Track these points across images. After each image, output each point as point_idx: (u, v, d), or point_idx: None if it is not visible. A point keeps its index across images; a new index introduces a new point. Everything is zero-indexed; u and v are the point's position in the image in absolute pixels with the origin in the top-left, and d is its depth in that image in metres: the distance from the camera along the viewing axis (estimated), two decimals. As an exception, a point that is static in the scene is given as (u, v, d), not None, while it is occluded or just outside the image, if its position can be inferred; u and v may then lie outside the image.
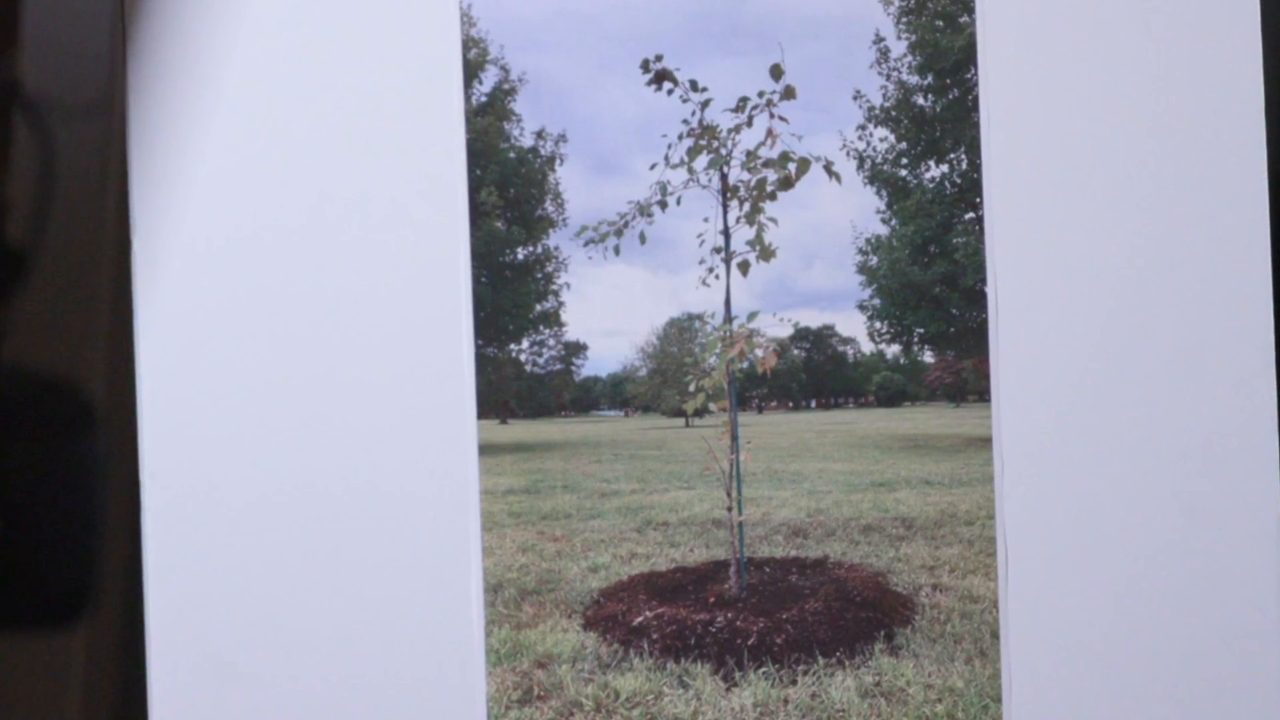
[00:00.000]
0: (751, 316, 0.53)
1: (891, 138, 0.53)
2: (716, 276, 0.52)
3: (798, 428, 0.57)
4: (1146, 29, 0.49)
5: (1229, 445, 0.49)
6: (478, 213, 0.51)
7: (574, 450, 0.55)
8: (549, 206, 0.53)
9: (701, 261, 0.52)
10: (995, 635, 0.51)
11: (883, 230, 0.53)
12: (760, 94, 0.52)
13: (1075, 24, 0.49)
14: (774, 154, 0.52)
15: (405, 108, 0.49)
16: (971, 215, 0.53)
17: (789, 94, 0.52)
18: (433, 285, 0.49)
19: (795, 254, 0.53)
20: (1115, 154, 0.49)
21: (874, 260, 0.54)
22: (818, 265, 0.53)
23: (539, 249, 0.53)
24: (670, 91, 0.52)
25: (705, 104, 0.52)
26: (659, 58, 0.51)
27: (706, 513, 0.55)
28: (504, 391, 0.53)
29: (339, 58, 0.49)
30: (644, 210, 0.52)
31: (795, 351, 0.55)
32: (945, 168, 0.53)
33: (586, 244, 0.52)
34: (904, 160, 0.53)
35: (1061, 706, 0.49)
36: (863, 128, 0.52)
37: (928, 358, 0.55)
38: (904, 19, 0.52)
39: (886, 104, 0.52)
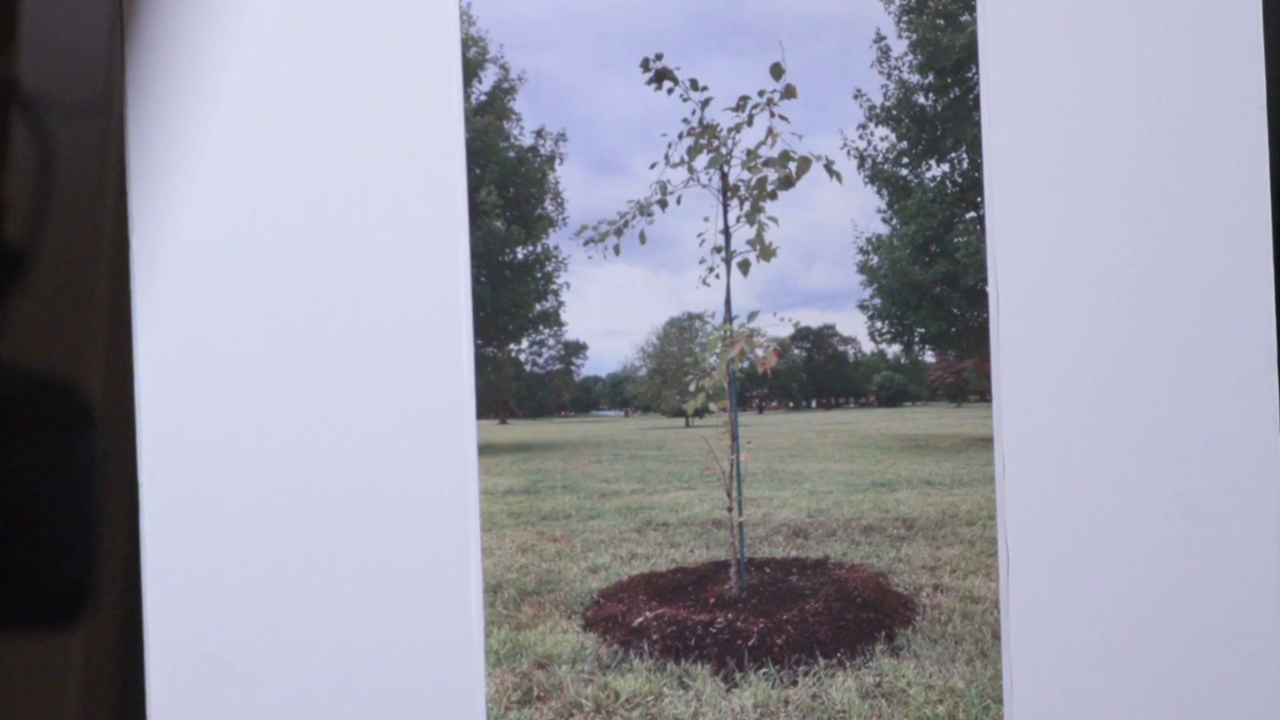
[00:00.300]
0: (752, 316, 0.53)
1: (892, 137, 0.53)
2: (717, 276, 0.52)
3: (798, 428, 0.57)
4: (1148, 28, 0.49)
5: (1231, 446, 0.49)
6: (477, 212, 0.51)
7: (574, 450, 0.55)
8: (549, 206, 0.53)
9: (702, 261, 0.52)
10: (996, 636, 0.51)
11: (883, 230, 0.53)
12: (761, 93, 0.52)
13: (1077, 23, 0.49)
14: (774, 153, 0.52)
15: (405, 107, 0.49)
16: (973, 214, 0.53)
17: (789, 93, 0.51)
18: (432, 285, 0.49)
19: (796, 253, 0.53)
20: (1117, 153, 0.49)
21: (875, 260, 0.53)
22: (818, 265, 0.53)
23: (539, 248, 0.53)
24: (670, 90, 0.52)
25: (705, 103, 0.52)
26: (659, 56, 0.51)
27: (707, 513, 0.55)
28: (503, 391, 0.53)
29: (338, 56, 0.49)
30: (644, 209, 0.52)
31: (796, 351, 0.55)
32: (946, 167, 0.53)
33: (586, 243, 0.52)
34: (905, 159, 0.53)
35: (1063, 707, 0.49)
36: (863, 127, 0.52)
37: (929, 357, 0.55)
38: (905, 18, 0.52)
39: (887, 103, 0.52)
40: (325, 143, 0.49)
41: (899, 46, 0.52)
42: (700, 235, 0.53)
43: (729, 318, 0.53)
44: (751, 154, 0.52)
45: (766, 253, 0.53)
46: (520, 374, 0.53)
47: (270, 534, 0.49)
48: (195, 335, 0.49)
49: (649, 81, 0.51)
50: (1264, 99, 0.49)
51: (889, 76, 0.52)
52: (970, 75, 0.52)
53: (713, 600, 0.54)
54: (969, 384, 0.53)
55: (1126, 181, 0.49)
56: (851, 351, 0.55)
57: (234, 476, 0.49)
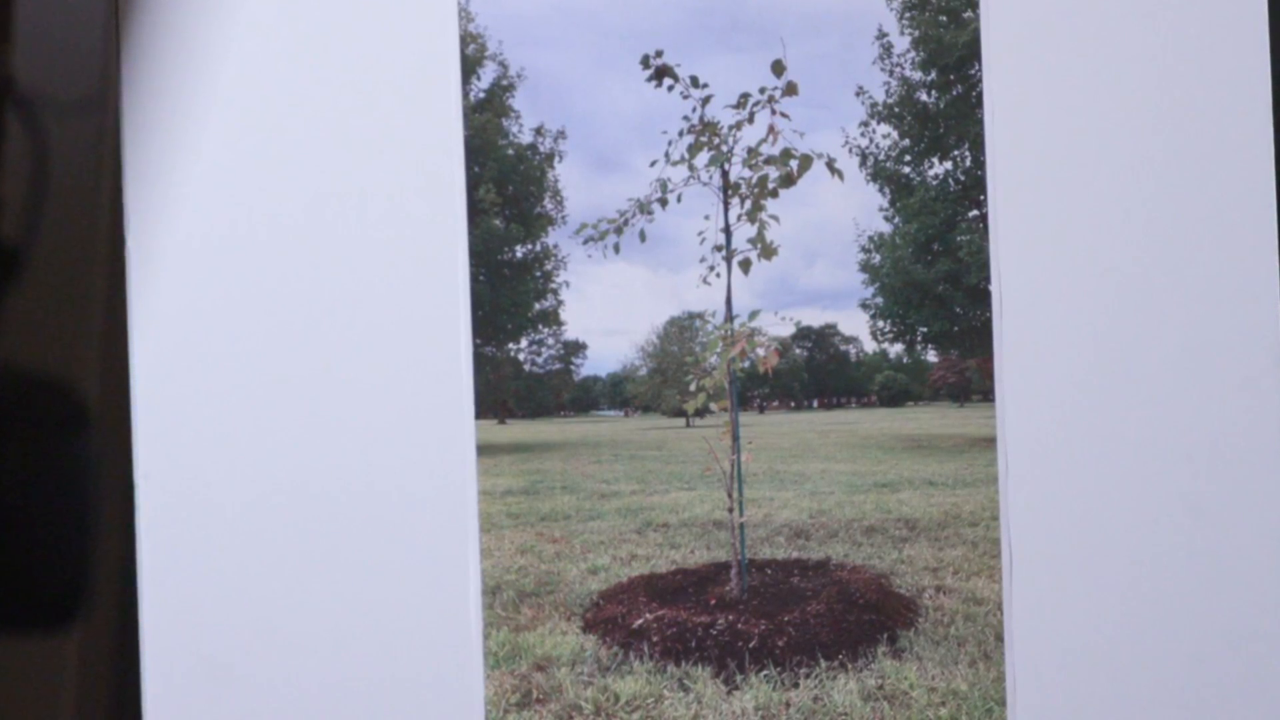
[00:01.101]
0: (753, 315, 0.53)
1: (894, 134, 0.53)
2: (718, 275, 0.52)
3: (800, 428, 0.57)
4: (1152, 24, 0.49)
5: (1236, 445, 0.49)
6: (476, 210, 0.51)
7: (573, 451, 0.55)
8: (548, 204, 0.53)
9: (702, 259, 0.52)
10: (999, 638, 0.51)
11: (886, 228, 0.53)
12: (762, 90, 0.51)
13: (1080, 19, 0.49)
14: (776, 151, 0.52)
15: (403, 104, 0.49)
16: (975, 213, 0.53)
17: (791, 90, 0.51)
18: (430, 283, 0.49)
19: (797, 252, 0.53)
20: (1121, 150, 0.49)
21: (877, 258, 0.53)
22: (820, 263, 0.53)
23: (538, 247, 0.53)
24: (671, 88, 0.51)
25: (706, 100, 0.52)
26: (659, 53, 0.51)
27: (707, 514, 0.55)
28: (502, 391, 0.52)
29: (336, 53, 0.49)
30: (644, 208, 0.52)
31: (797, 351, 0.55)
32: (949, 164, 0.53)
33: (586, 242, 0.52)
34: (907, 157, 0.53)
35: (1066, 710, 0.49)
36: (865, 124, 0.52)
37: (931, 357, 0.54)
38: (907, 14, 0.52)
39: (889, 100, 0.52)
40: (323, 140, 0.49)
41: (901, 43, 0.52)
42: (701, 234, 0.52)
43: (730, 317, 0.53)
44: (753, 151, 0.52)
45: (768, 251, 0.52)
46: (519, 373, 0.53)
47: (267, 535, 0.49)
48: (191, 334, 0.49)
49: (649, 78, 0.51)
50: (1269, 95, 0.49)
51: (891, 73, 0.52)
52: (973, 72, 0.51)
53: (713, 602, 0.54)
54: (972, 384, 0.53)
55: (1131, 179, 0.49)
56: (853, 351, 0.55)
57: (231, 477, 0.49)
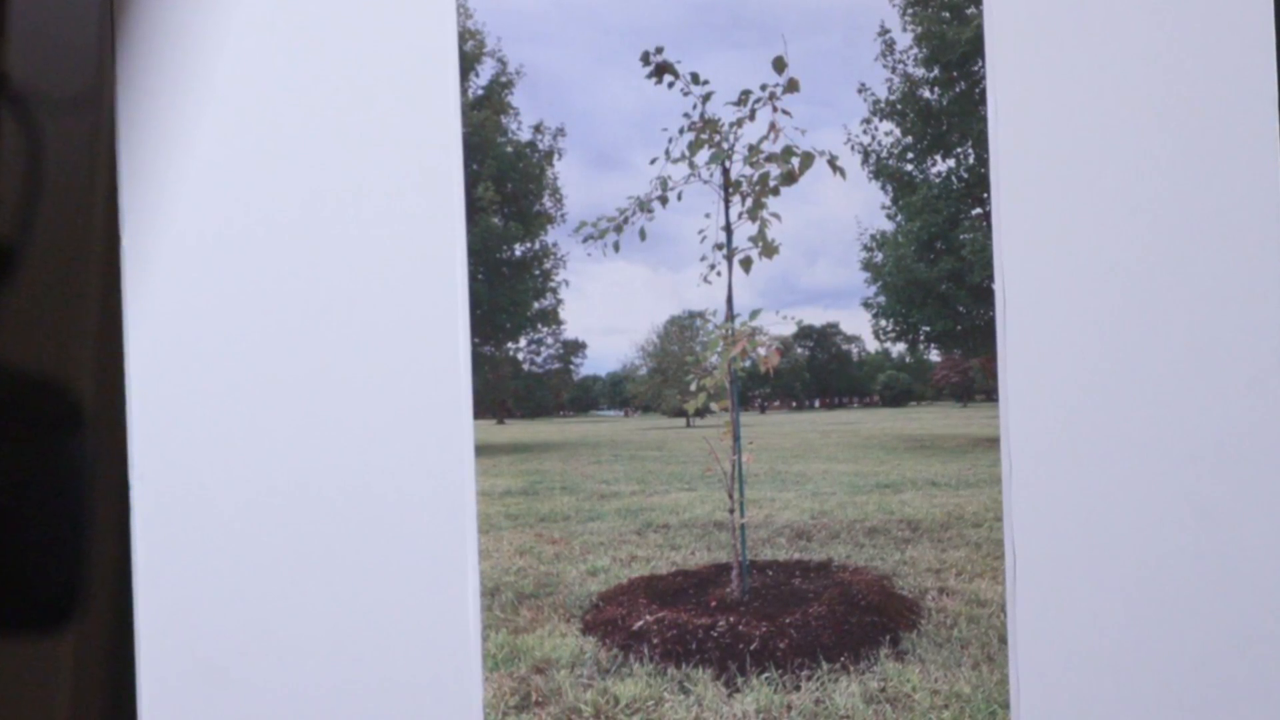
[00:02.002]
0: (754, 314, 0.53)
1: (897, 131, 0.52)
2: (718, 273, 0.52)
3: (801, 428, 0.57)
4: (1156, 20, 0.49)
5: (1241, 445, 0.49)
6: (474, 208, 0.51)
7: (573, 451, 0.55)
8: (547, 202, 0.52)
9: (703, 258, 0.52)
10: (1003, 640, 0.51)
11: (888, 226, 0.53)
12: (763, 87, 0.51)
13: (1084, 15, 0.49)
14: (777, 148, 0.52)
15: (400, 101, 0.49)
16: (979, 211, 0.52)
17: (792, 87, 0.51)
18: (428, 282, 0.49)
19: (799, 250, 0.52)
20: (1125, 148, 0.49)
21: (879, 257, 0.53)
22: (821, 262, 0.52)
23: (537, 245, 0.52)
24: (671, 84, 0.51)
25: (707, 97, 0.51)
26: (659, 50, 0.51)
27: (708, 515, 0.55)
28: (501, 391, 0.52)
29: (333, 50, 0.49)
30: (644, 206, 0.52)
31: (799, 350, 0.55)
32: (952, 162, 0.53)
33: (585, 240, 0.52)
34: (910, 154, 0.53)
35: (1070, 712, 0.49)
36: (867, 121, 0.52)
37: (934, 356, 0.54)
38: (910, 10, 0.52)
39: (892, 97, 0.52)
40: (320, 138, 0.49)
41: (904, 40, 0.52)
42: (701, 232, 0.52)
43: (731, 316, 0.53)
44: (754, 149, 0.52)
45: (769, 249, 0.52)
46: (518, 373, 0.53)
47: (264, 536, 0.48)
48: (187, 333, 0.49)
49: (649, 75, 0.51)
50: (1275, 92, 0.49)
51: (893, 70, 0.52)
52: (976, 69, 0.51)
53: (714, 603, 0.54)
54: (975, 383, 0.53)
55: (1135, 177, 0.49)
56: (855, 350, 0.55)
57: (227, 477, 0.48)
